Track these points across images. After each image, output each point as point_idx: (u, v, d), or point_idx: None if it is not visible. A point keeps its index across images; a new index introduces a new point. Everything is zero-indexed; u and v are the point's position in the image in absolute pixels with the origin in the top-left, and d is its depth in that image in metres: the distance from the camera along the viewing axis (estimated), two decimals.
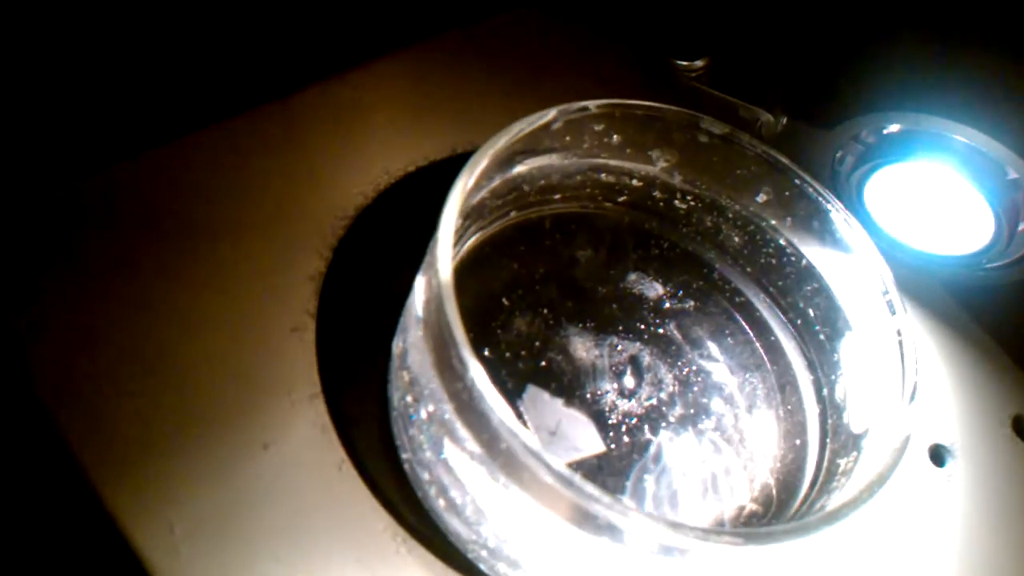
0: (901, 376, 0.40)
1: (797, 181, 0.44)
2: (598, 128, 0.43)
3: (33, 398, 0.38)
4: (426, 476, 0.38)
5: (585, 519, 0.32)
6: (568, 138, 0.43)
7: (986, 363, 0.57)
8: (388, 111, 0.52)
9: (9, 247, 0.41)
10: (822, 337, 0.46)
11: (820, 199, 0.44)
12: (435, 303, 0.33)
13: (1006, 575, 0.49)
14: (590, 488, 0.30)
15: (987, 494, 0.51)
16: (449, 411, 0.34)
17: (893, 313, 0.41)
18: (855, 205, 0.56)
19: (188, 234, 0.44)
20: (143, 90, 0.49)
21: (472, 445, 0.34)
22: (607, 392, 0.44)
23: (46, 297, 0.40)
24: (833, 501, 0.38)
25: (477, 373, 0.31)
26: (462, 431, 0.34)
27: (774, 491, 0.43)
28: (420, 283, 0.37)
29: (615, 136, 0.44)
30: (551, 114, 0.40)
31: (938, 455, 0.52)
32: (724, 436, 0.44)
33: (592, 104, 0.41)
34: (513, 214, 0.46)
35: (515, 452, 0.31)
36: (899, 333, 0.41)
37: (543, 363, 0.43)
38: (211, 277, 0.43)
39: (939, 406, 0.54)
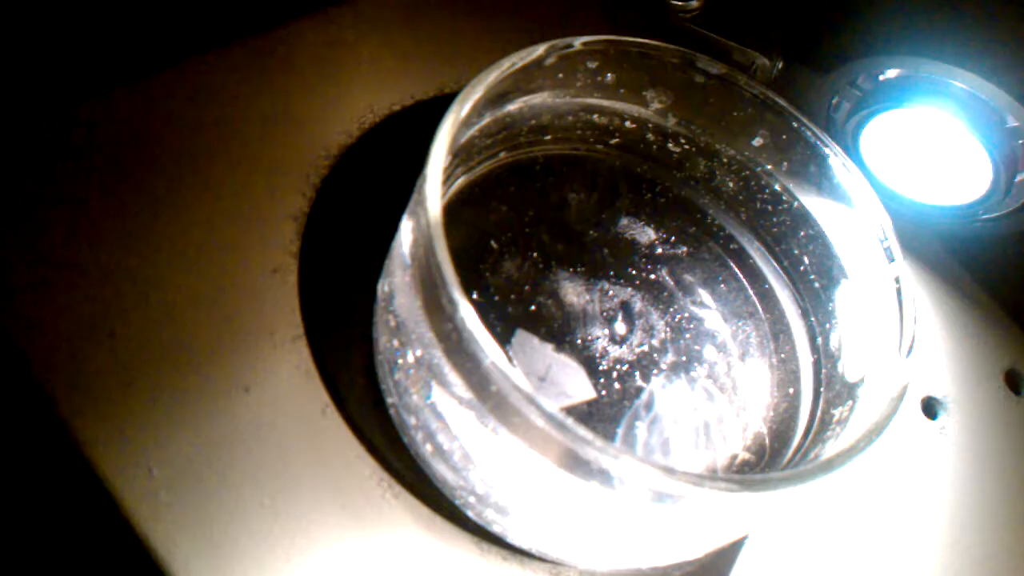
0: (899, 324, 0.39)
1: (795, 124, 0.43)
2: (592, 66, 0.42)
3: (7, 340, 0.37)
4: (412, 421, 0.37)
5: (576, 464, 0.31)
6: (561, 75, 0.41)
7: (980, 316, 0.56)
8: (374, 48, 0.51)
9: None
10: (817, 285, 0.45)
11: (818, 143, 0.43)
12: (424, 242, 0.32)
13: (996, 529, 0.48)
14: (582, 431, 0.30)
15: (979, 447, 0.51)
16: (437, 354, 0.33)
17: (892, 260, 0.40)
18: (850, 153, 0.55)
19: (165, 171, 0.42)
20: (120, 23, 0.47)
21: (461, 389, 0.33)
22: (598, 338, 0.43)
23: (19, 235, 0.39)
24: (828, 450, 0.38)
25: (467, 313, 0.30)
26: (451, 374, 0.33)
27: (767, 440, 0.43)
28: (407, 223, 0.36)
29: (609, 75, 0.43)
30: (541, 49, 0.39)
31: (930, 408, 0.51)
32: (717, 384, 0.44)
33: (584, 40, 0.40)
34: (503, 155, 0.45)
35: (505, 394, 0.30)
36: (897, 281, 0.40)
37: (532, 307, 0.42)
38: (189, 216, 0.42)
39: (932, 359, 0.53)
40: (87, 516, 0.37)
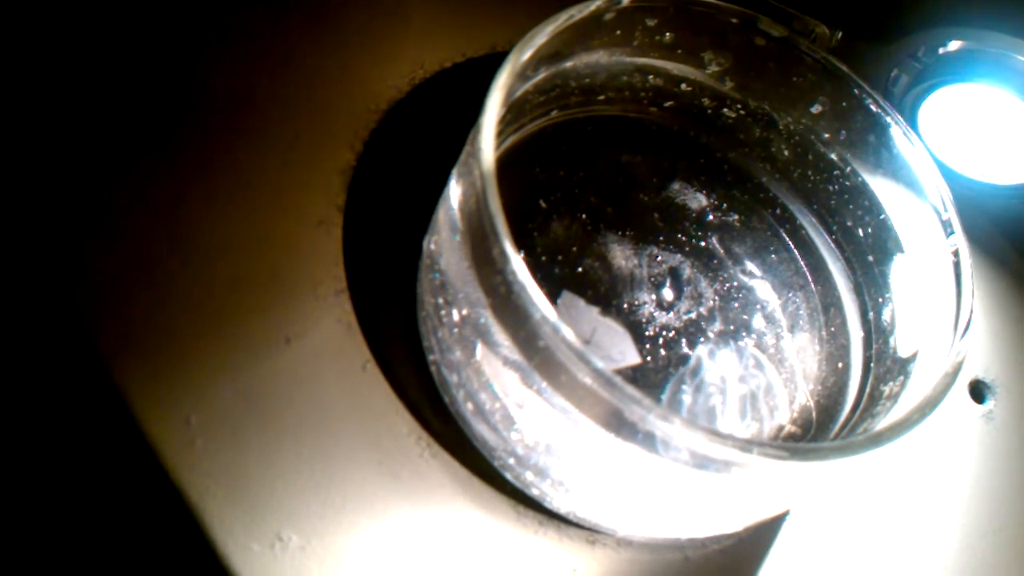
0: (956, 298, 0.38)
1: (856, 92, 0.42)
2: (650, 23, 0.41)
3: (53, 283, 0.37)
4: (454, 379, 0.37)
5: (622, 425, 0.31)
6: (618, 32, 0.41)
7: None
8: (426, 3, 0.50)
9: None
10: (870, 258, 0.44)
11: (879, 112, 0.42)
12: (476, 193, 0.31)
13: None
14: (631, 390, 0.29)
15: None
16: (484, 313, 0.32)
17: (951, 233, 0.39)
18: None
19: (211, 123, 0.42)
20: None
21: (507, 348, 0.32)
22: (645, 303, 0.42)
23: (64, 181, 0.39)
24: (878, 425, 0.37)
25: (518, 266, 0.30)
26: (497, 330, 0.32)
27: (814, 414, 0.42)
28: (456, 179, 0.35)
29: (667, 34, 0.42)
30: (599, 3, 0.38)
31: (978, 391, 0.50)
32: (765, 355, 0.43)
33: None
34: (554, 113, 0.44)
35: (554, 350, 0.30)
36: (956, 255, 0.39)
37: (579, 269, 0.42)
38: (236, 167, 0.41)
39: (981, 341, 0.52)
40: (123, 461, 0.37)
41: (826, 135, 0.44)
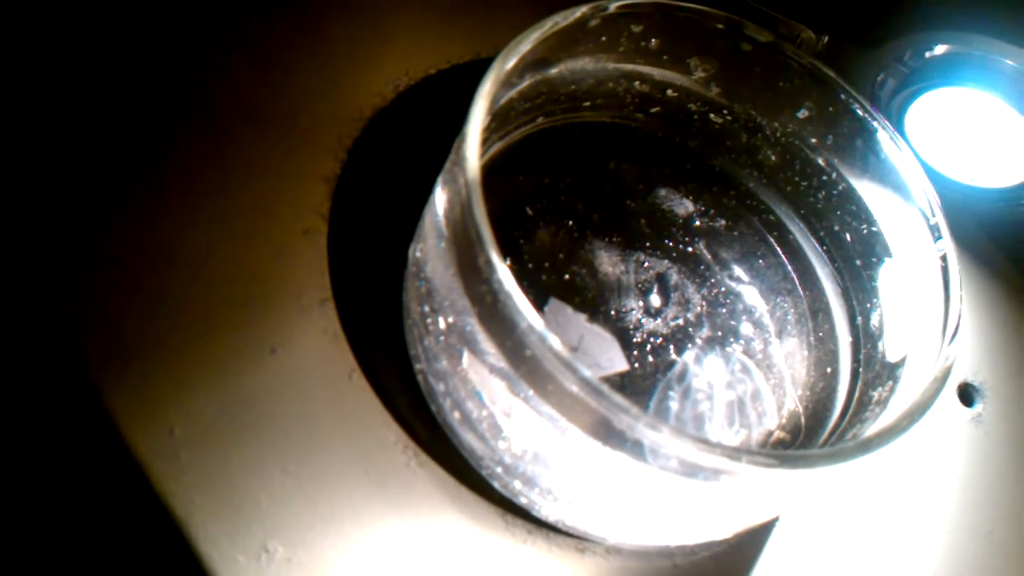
0: (944, 302, 0.38)
1: (843, 96, 0.42)
2: (636, 30, 0.41)
3: (36, 294, 0.36)
4: (441, 388, 0.36)
5: (609, 434, 0.30)
6: (604, 39, 0.41)
7: (1019, 302, 0.55)
8: (411, 11, 0.50)
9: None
10: (858, 263, 0.44)
11: (866, 117, 0.42)
12: (461, 202, 0.31)
13: None
14: (618, 399, 0.29)
15: (1016, 436, 0.50)
16: (470, 321, 0.32)
17: (938, 238, 0.39)
18: None
19: (198, 130, 0.42)
20: None
21: (494, 357, 0.32)
22: (632, 310, 0.42)
23: (49, 191, 0.38)
24: (867, 431, 0.37)
25: (504, 275, 0.29)
26: (483, 339, 0.32)
27: (802, 419, 0.42)
28: (441, 186, 0.35)
29: (652, 40, 0.42)
30: (584, 9, 0.38)
31: (966, 394, 0.50)
32: (752, 361, 0.43)
33: (628, 2, 0.39)
34: (540, 120, 0.44)
35: (540, 359, 0.29)
36: (944, 259, 0.39)
37: (566, 276, 0.42)
38: (220, 175, 0.41)
39: (969, 345, 0.52)
40: (106, 472, 0.36)
41: (813, 140, 0.44)
